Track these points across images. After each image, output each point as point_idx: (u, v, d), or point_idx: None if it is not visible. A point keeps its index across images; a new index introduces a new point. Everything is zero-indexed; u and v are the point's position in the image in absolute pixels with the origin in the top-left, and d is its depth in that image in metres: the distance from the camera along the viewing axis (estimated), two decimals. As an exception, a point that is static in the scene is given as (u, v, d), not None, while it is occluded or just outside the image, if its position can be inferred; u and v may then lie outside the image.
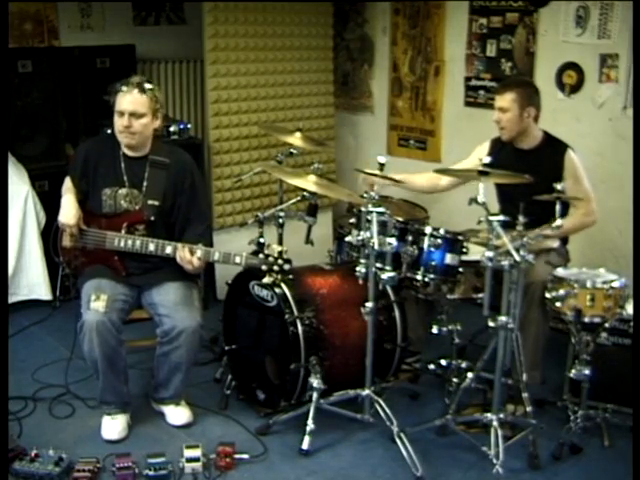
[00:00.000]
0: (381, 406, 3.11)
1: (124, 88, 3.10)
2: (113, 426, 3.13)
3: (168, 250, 3.07)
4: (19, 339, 3.98)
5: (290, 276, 3.10)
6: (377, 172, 3.17)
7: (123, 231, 3.14)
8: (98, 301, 3.02)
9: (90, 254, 3.22)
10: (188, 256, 3.03)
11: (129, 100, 3.09)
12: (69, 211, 3.18)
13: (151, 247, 3.08)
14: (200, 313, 3.17)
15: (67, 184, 3.31)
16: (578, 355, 3.11)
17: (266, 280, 3.04)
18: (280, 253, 2.99)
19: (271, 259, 2.98)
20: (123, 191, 3.20)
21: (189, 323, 3.06)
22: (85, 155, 3.28)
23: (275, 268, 2.98)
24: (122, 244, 3.11)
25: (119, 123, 3.12)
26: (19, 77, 4.27)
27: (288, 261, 2.99)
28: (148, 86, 3.14)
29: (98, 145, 3.31)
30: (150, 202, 3.17)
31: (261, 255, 3.00)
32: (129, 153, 3.22)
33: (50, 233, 3.38)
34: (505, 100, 3.47)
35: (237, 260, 3.03)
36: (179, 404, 3.27)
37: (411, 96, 5.06)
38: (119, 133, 3.15)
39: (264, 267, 2.98)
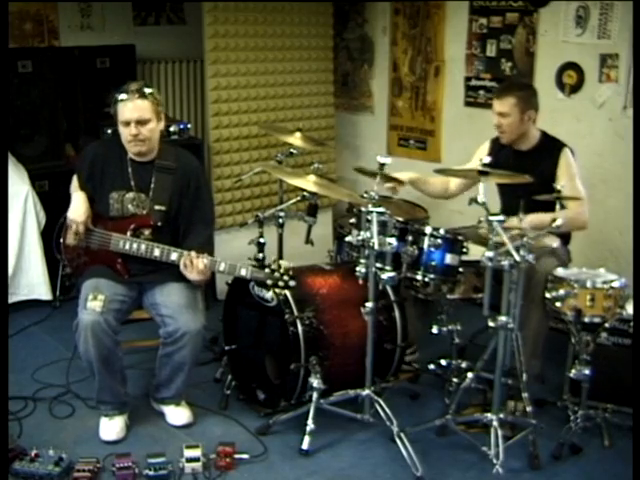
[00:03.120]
0: (381, 406, 3.10)
1: (124, 97, 3.06)
2: (110, 427, 3.12)
3: (173, 257, 3.06)
4: (19, 339, 3.98)
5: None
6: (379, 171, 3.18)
7: (129, 234, 3.13)
8: (95, 301, 3.01)
9: (93, 254, 3.21)
10: (195, 260, 3.01)
11: (132, 108, 3.05)
12: (79, 208, 3.17)
13: (156, 252, 3.07)
14: (204, 315, 3.17)
15: (75, 182, 3.30)
16: (578, 355, 3.11)
17: (270, 295, 3.05)
18: (287, 270, 2.98)
19: (277, 274, 2.98)
20: (130, 195, 3.19)
21: (193, 325, 3.06)
22: (92, 158, 3.26)
23: (280, 284, 2.98)
24: (127, 247, 3.10)
25: (126, 133, 3.09)
26: (19, 77, 4.27)
27: (293, 278, 2.99)
28: (148, 90, 3.10)
29: (105, 148, 3.29)
30: (157, 207, 3.16)
31: (267, 270, 3.00)
32: (136, 158, 3.21)
33: (50, 233, 3.38)
34: (505, 105, 3.45)
35: (243, 272, 3.02)
36: (179, 404, 3.26)
37: (411, 96, 5.06)
38: (127, 143, 3.12)
39: (269, 282, 2.98)
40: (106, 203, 3.20)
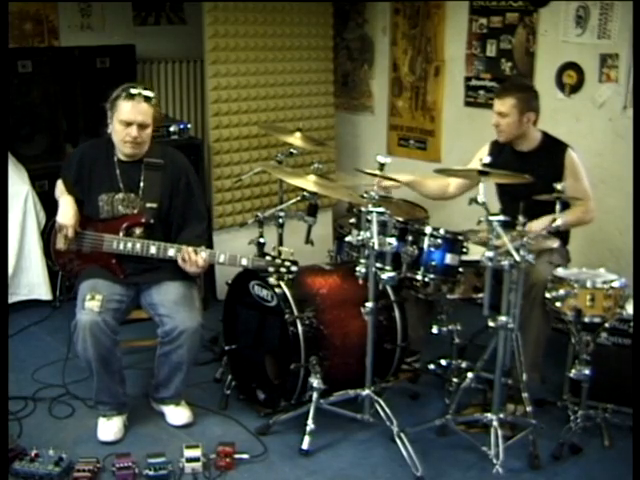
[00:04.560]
0: (381, 406, 3.10)
1: (130, 98, 3.06)
2: (109, 427, 3.12)
3: (171, 252, 3.05)
4: (19, 339, 3.98)
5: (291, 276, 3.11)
6: (378, 172, 3.18)
7: (121, 234, 3.12)
8: (93, 301, 3.00)
9: (86, 257, 3.19)
10: (193, 256, 3.02)
11: (137, 110, 3.06)
12: (68, 211, 3.14)
13: (152, 250, 3.07)
14: (201, 313, 3.17)
15: (60, 187, 3.28)
16: (578, 355, 3.11)
17: (272, 280, 3.05)
18: (288, 256, 2.99)
19: (278, 261, 2.98)
20: (120, 196, 3.18)
21: (190, 324, 3.06)
22: (79, 160, 3.25)
23: (282, 270, 2.98)
24: (121, 247, 3.10)
25: (125, 133, 3.09)
26: (19, 77, 4.26)
27: (295, 263, 2.99)
28: (150, 94, 3.12)
29: (92, 150, 3.28)
30: (148, 205, 3.16)
31: (268, 257, 3.00)
32: (124, 158, 3.20)
33: (50, 233, 3.37)
34: (505, 105, 3.46)
35: (244, 262, 3.02)
36: (179, 404, 3.27)
37: (411, 96, 5.06)
38: (123, 143, 3.12)
39: (271, 269, 2.99)
40: (96, 206, 3.19)
